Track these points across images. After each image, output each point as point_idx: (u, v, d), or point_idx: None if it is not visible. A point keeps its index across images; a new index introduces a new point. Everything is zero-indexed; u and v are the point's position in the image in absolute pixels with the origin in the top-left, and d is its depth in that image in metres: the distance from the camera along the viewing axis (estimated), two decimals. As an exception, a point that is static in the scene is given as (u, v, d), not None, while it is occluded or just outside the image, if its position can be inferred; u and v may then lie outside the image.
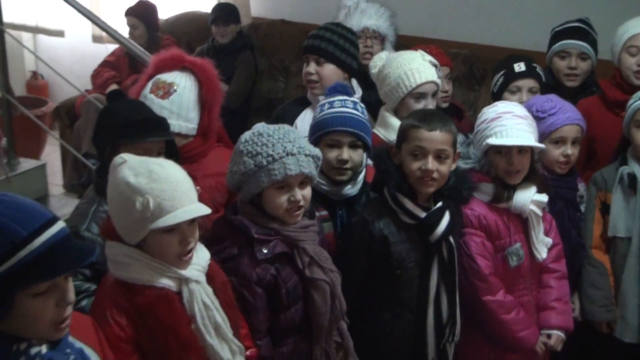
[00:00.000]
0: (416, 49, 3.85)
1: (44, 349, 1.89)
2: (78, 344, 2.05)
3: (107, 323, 2.30)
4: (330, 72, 3.70)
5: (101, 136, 2.95)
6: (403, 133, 3.02)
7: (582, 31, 4.05)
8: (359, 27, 4.46)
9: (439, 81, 3.75)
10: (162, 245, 2.33)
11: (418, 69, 3.69)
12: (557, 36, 4.10)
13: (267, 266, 2.70)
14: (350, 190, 3.19)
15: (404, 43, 4.76)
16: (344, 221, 3.20)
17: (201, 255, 2.46)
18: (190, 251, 2.38)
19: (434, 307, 3.08)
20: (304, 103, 3.71)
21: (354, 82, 4.01)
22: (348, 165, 3.09)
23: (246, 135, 2.74)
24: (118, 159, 2.35)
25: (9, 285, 1.81)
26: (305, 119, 3.72)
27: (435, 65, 3.75)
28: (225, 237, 2.73)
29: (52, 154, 6.56)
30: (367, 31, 4.51)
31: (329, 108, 3.16)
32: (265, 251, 2.68)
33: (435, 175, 2.93)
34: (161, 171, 2.31)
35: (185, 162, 2.94)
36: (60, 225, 1.89)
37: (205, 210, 2.34)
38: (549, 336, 3.30)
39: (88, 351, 2.09)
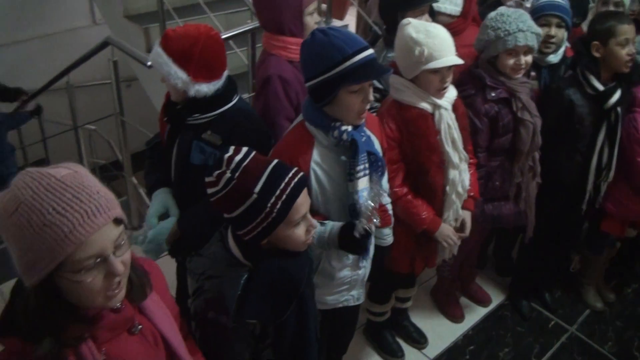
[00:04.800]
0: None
1: (349, 128, 1.92)
2: (368, 132, 2.07)
3: (384, 126, 2.31)
4: None
5: (387, 9, 2.82)
6: (609, 31, 2.69)
7: None
8: None
9: None
10: (428, 81, 2.27)
11: None
12: None
13: (492, 105, 2.59)
14: (553, 58, 2.94)
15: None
16: (546, 82, 2.96)
17: (451, 91, 2.38)
18: (446, 87, 2.30)
19: (597, 156, 2.85)
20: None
21: None
22: (554, 40, 2.84)
23: (492, 14, 2.58)
24: (405, 21, 2.28)
25: (336, 84, 1.84)
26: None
27: None
28: (467, 82, 2.62)
29: (351, 20, 6.50)
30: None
31: None
32: (493, 94, 2.57)
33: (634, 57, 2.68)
34: (434, 30, 2.22)
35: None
36: (370, 51, 1.86)
37: (459, 61, 2.23)
38: None
39: (373, 137, 2.11)
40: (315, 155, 1.97)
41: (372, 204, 1.81)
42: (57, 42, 6.18)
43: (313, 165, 1.96)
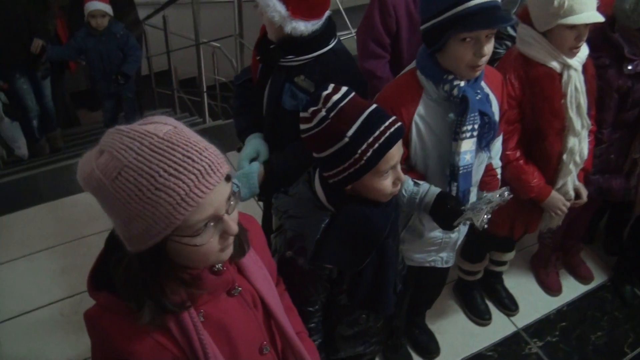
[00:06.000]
0: None
1: (462, 83, 1.76)
2: (487, 90, 1.91)
3: (505, 82, 2.12)
4: None
5: None
6: None
7: None
8: None
9: None
10: (562, 37, 2.05)
11: None
12: None
13: (626, 79, 2.33)
14: None
15: None
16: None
17: (583, 50, 2.15)
18: (580, 46, 2.08)
19: None
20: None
21: None
22: None
23: None
24: None
25: (446, 29, 1.67)
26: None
27: None
28: (601, 48, 2.35)
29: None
30: None
31: None
32: (629, 67, 2.32)
33: None
34: None
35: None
36: None
37: (600, 18, 1.99)
38: None
39: (492, 97, 1.94)
40: (421, 107, 1.83)
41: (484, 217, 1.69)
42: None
43: (416, 117, 1.83)
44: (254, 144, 2.14)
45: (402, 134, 1.47)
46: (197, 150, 1.00)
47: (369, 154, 1.42)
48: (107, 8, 4.23)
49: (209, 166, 1.01)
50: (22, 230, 3.38)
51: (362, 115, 1.43)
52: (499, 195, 1.72)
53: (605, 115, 2.40)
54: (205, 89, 5.11)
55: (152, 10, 5.26)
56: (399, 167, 1.51)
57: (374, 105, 1.47)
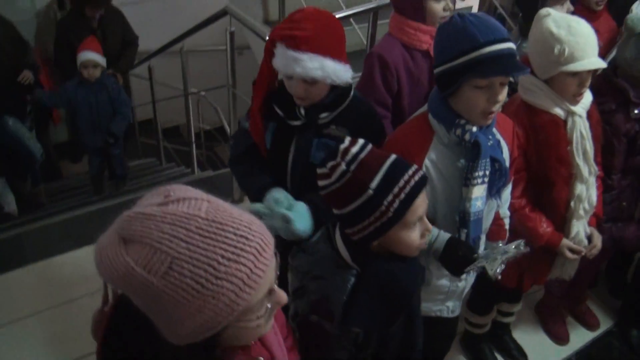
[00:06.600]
0: None
1: (474, 128, 1.76)
2: (498, 136, 1.91)
3: None
4: None
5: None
6: None
7: None
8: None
9: None
10: (564, 85, 2.08)
11: None
12: None
13: (634, 123, 2.36)
14: None
15: None
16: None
17: (586, 97, 2.17)
18: (583, 93, 2.11)
19: None
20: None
21: None
22: None
23: None
24: (544, 11, 2.09)
25: (460, 74, 1.68)
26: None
27: None
28: (606, 93, 2.38)
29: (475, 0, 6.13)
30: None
31: None
32: (636, 112, 2.35)
33: None
34: (577, 27, 2.01)
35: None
36: (508, 45, 1.67)
37: (602, 64, 2.02)
38: None
39: (503, 143, 1.94)
40: (432, 151, 1.82)
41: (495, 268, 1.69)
42: (178, 4, 6.23)
43: (427, 162, 1.82)
44: (283, 192, 1.96)
45: (426, 182, 1.46)
46: (245, 226, 0.94)
47: (395, 205, 1.40)
48: (100, 58, 4.23)
49: (262, 241, 0.94)
50: (7, 295, 3.23)
51: (384, 166, 1.42)
52: (515, 247, 1.71)
53: (615, 161, 2.41)
54: (193, 139, 5.09)
55: (137, 61, 5.26)
56: (425, 218, 1.49)
57: (394, 156, 1.46)
